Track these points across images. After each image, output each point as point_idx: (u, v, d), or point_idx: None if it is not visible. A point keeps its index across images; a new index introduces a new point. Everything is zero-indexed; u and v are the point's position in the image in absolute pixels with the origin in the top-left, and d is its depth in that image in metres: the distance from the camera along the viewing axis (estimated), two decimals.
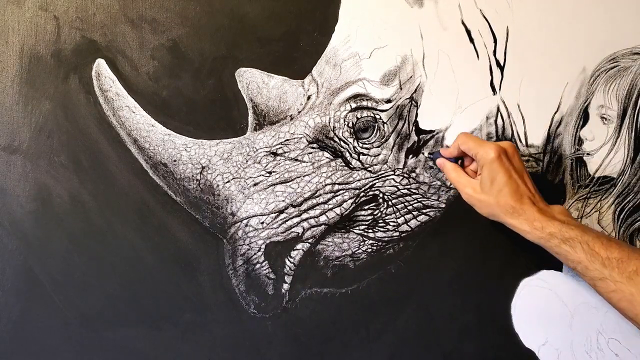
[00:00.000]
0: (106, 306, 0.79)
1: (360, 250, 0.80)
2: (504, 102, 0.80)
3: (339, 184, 0.79)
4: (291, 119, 0.79)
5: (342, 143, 0.79)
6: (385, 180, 0.80)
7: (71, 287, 0.79)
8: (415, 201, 0.80)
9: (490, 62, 0.79)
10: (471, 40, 0.79)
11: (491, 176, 0.70)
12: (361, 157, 0.79)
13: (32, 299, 0.79)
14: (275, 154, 0.78)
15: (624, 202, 0.79)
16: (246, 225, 0.78)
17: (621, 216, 0.79)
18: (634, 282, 0.63)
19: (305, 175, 0.79)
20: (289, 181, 0.79)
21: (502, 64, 0.79)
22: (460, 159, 0.76)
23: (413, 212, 0.80)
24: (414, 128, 0.80)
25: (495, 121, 0.80)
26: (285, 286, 0.79)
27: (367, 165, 0.79)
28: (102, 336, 0.79)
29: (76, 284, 0.79)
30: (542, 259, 0.79)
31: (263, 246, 0.78)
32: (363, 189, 0.79)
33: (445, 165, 0.75)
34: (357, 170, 0.79)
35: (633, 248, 0.66)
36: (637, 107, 0.78)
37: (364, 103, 0.79)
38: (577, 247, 0.66)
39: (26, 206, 0.78)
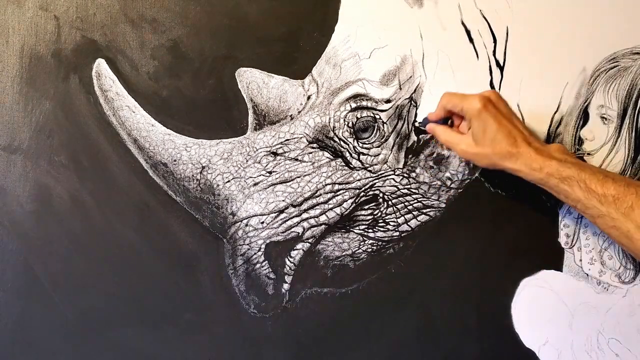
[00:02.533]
0: (106, 306, 0.79)
1: (360, 250, 0.80)
2: None
3: (339, 183, 0.79)
4: (291, 118, 0.79)
5: (342, 143, 0.79)
6: (385, 180, 0.79)
7: (71, 287, 0.79)
8: (416, 201, 0.80)
9: (490, 62, 0.79)
10: (471, 40, 0.79)
11: (482, 127, 0.70)
12: (361, 157, 0.79)
13: (32, 299, 0.79)
14: (275, 154, 0.79)
15: None
16: (246, 225, 0.78)
17: None
18: (630, 218, 0.63)
19: (305, 175, 0.79)
20: (289, 181, 0.79)
21: (501, 64, 0.79)
22: (450, 120, 0.76)
23: (413, 212, 0.80)
24: (413, 128, 0.80)
25: None
26: (285, 286, 0.79)
27: (367, 165, 0.79)
28: (102, 336, 0.79)
29: (76, 284, 0.79)
30: (542, 259, 0.80)
31: (263, 246, 0.78)
32: (363, 188, 0.79)
33: (436, 129, 0.75)
34: (357, 170, 0.79)
35: (629, 182, 0.65)
36: (638, 107, 0.78)
37: (364, 103, 0.79)
38: (574, 186, 0.66)
39: (26, 206, 0.78)
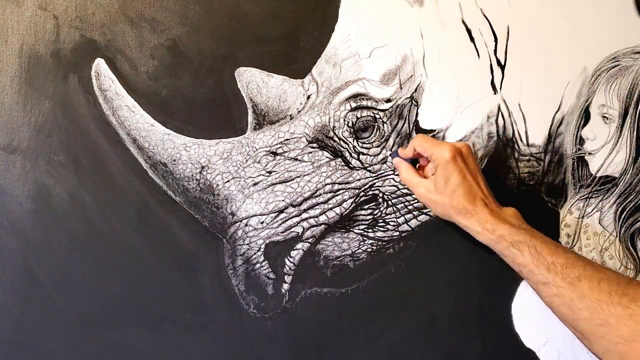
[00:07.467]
0: (106, 306, 0.79)
1: (360, 250, 0.80)
2: (504, 101, 0.80)
3: (338, 183, 0.79)
4: (291, 118, 0.79)
5: (341, 142, 0.79)
6: (385, 179, 0.79)
7: (71, 287, 0.79)
8: (416, 201, 0.80)
9: (490, 61, 0.79)
10: (472, 39, 0.79)
11: (445, 176, 0.70)
12: (361, 156, 0.79)
13: (32, 299, 0.78)
14: (275, 154, 0.78)
15: (625, 202, 0.79)
16: (246, 225, 0.78)
17: (622, 216, 0.79)
18: (576, 288, 0.62)
19: (305, 175, 0.79)
20: (289, 181, 0.78)
21: (502, 63, 0.79)
22: (417, 161, 0.76)
23: (413, 212, 0.80)
24: (414, 127, 0.79)
25: (496, 120, 0.80)
26: (285, 286, 0.79)
27: (367, 165, 0.79)
28: (102, 336, 0.79)
29: (76, 284, 0.79)
30: None
31: (263, 246, 0.78)
32: (363, 188, 0.79)
33: (401, 165, 0.75)
34: (356, 169, 0.79)
35: (578, 255, 0.65)
36: (639, 107, 0.78)
37: (364, 102, 0.78)
38: (524, 251, 0.66)
39: (25, 206, 0.78)
